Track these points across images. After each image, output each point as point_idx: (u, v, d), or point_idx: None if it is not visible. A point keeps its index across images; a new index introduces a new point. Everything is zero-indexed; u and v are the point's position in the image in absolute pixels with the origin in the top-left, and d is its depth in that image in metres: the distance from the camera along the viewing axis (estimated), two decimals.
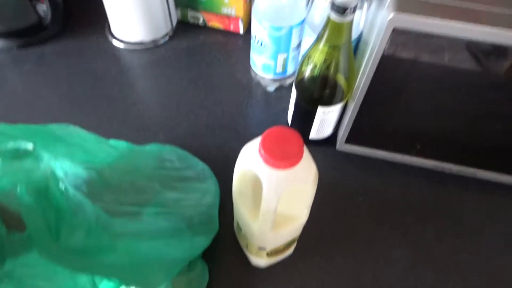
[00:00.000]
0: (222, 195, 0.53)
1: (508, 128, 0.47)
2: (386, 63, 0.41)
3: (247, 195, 0.37)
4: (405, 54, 0.40)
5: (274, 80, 0.62)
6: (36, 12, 0.66)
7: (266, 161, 0.31)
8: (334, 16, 0.41)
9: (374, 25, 0.43)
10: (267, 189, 0.32)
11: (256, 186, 0.36)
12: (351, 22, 0.42)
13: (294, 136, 0.32)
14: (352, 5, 0.39)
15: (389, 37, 0.38)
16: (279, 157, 0.30)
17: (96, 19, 0.72)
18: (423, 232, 0.51)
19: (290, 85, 0.64)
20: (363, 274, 0.48)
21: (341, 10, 0.40)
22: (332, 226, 0.51)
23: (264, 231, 0.36)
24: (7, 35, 0.67)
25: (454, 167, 0.53)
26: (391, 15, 0.36)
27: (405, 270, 0.48)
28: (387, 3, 0.37)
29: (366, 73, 0.43)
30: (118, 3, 0.63)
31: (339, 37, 0.43)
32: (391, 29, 0.37)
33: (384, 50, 0.39)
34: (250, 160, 0.33)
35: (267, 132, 0.32)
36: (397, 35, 0.37)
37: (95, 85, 0.64)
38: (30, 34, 0.68)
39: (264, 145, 0.31)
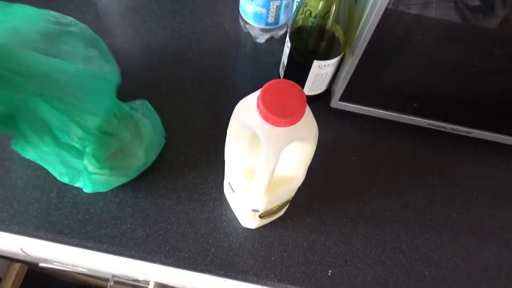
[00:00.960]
0: (212, 155, 0.50)
1: (506, 87, 0.45)
2: (390, 14, 0.37)
3: (241, 154, 0.34)
4: (411, 4, 0.36)
5: (265, 31, 0.57)
6: None
7: (266, 118, 0.28)
8: None
9: None
10: (266, 147, 0.29)
11: (252, 145, 0.33)
12: None
13: (296, 90, 0.29)
14: None
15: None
16: (280, 114, 0.27)
17: None
18: (416, 192, 0.51)
19: (282, 37, 0.60)
20: (355, 235, 0.47)
21: None
22: (323, 186, 0.50)
23: (259, 192, 0.34)
24: None
25: (449, 126, 0.52)
26: None
27: (397, 230, 0.48)
28: None
29: (369, 24, 0.39)
30: None
31: None
32: None
33: (384, 10, 0.36)
34: (247, 116, 0.30)
35: (266, 85, 0.28)
36: None
37: None
38: None
39: (263, 100, 0.28)
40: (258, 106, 0.28)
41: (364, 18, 0.42)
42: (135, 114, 0.44)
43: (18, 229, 0.44)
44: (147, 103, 0.49)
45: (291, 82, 0.29)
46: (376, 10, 0.37)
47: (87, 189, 0.44)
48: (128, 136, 0.42)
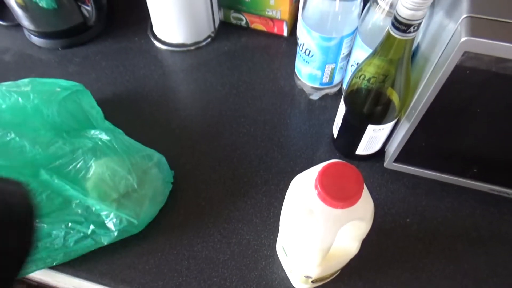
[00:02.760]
0: (265, 211, 0.51)
1: None
2: (451, 84, 0.37)
3: (298, 225, 0.35)
4: (473, 76, 0.36)
5: (319, 89, 0.59)
6: (81, 12, 0.65)
7: (323, 199, 0.29)
8: (395, 32, 0.38)
9: (438, 41, 0.40)
10: (322, 227, 0.30)
11: (309, 217, 0.34)
12: (413, 39, 0.39)
13: (353, 173, 0.30)
14: (417, 23, 0.36)
15: (459, 60, 0.35)
16: (338, 197, 0.28)
17: (138, 20, 0.71)
18: (476, 260, 0.48)
19: (336, 94, 0.62)
20: None
21: (404, 27, 0.36)
22: (376, 248, 0.49)
23: (313, 264, 0.35)
24: (52, 35, 0.67)
25: None
26: (464, 38, 0.33)
27: None
28: (459, 22, 0.34)
29: (428, 93, 0.39)
30: (162, 4, 0.61)
31: (397, 52, 0.40)
32: (462, 52, 0.34)
33: (450, 72, 0.36)
34: (303, 193, 0.31)
35: (324, 167, 0.30)
36: (468, 58, 0.34)
37: (138, 88, 0.63)
38: (74, 34, 0.68)
39: (321, 182, 0.29)
40: (315, 187, 0.29)
41: (422, 85, 0.42)
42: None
43: (86, 275, 0.48)
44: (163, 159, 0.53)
45: (348, 164, 0.30)
46: (435, 83, 0.38)
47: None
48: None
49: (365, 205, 0.31)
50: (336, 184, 0.29)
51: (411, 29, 0.36)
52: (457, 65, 0.35)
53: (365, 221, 0.32)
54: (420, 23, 0.36)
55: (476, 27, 0.32)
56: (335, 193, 0.29)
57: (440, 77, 0.37)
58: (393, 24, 0.37)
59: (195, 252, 0.49)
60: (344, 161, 0.30)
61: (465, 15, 0.33)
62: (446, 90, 0.38)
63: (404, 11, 0.35)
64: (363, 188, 0.29)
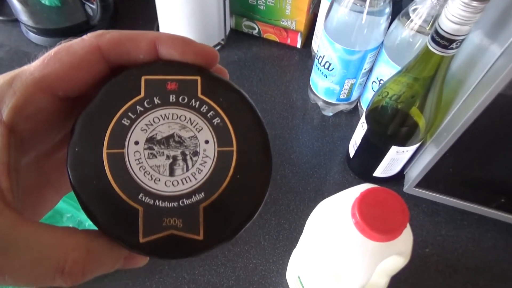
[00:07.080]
0: (274, 233, 0.47)
1: None
2: (493, 109, 0.35)
3: (325, 257, 0.31)
4: None
5: (335, 105, 0.56)
6: (85, 10, 0.62)
7: (363, 230, 0.25)
8: (434, 47, 0.35)
9: (477, 62, 0.37)
10: (359, 262, 0.26)
11: (341, 250, 0.30)
12: (452, 56, 0.36)
13: (396, 201, 0.26)
14: (461, 38, 0.33)
15: (506, 84, 0.32)
16: (380, 228, 0.25)
17: (144, 22, 0.68)
18: None
19: (350, 112, 0.58)
20: None
21: (446, 42, 0.33)
22: (393, 280, 0.45)
23: None
24: (52, 32, 0.63)
25: None
26: None
27: None
28: (508, 44, 0.31)
29: (466, 117, 0.36)
30: (173, 8, 0.58)
31: (432, 70, 0.37)
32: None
33: (495, 96, 0.33)
34: (334, 222, 0.27)
35: (362, 194, 0.26)
36: None
37: None
38: (75, 33, 0.63)
39: (360, 211, 0.25)
40: (353, 215, 0.26)
41: (456, 108, 0.39)
42: None
43: None
44: None
45: (389, 191, 0.27)
46: (475, 106, 0.35)
47: None
48: None
49: (406, 238, 0.27)
50: (377, 213, 0.25)
51: (453, 45, 0.33)
52: (503, 90, 0.32)
53: (404, 256, 0.28)
54: (463, 39, 0.33)
55: None
56: (377, 224, 0.25)
57: (482, 101, 0.34)
58: (433, 38, 0.34)
59: (196, 276, 0.44)
60: (384, 187, 0.27)
61: None
62: (486, 115, 0.35)
63: (449, 25, 0.32)
64: (408, 219, 0.26)
